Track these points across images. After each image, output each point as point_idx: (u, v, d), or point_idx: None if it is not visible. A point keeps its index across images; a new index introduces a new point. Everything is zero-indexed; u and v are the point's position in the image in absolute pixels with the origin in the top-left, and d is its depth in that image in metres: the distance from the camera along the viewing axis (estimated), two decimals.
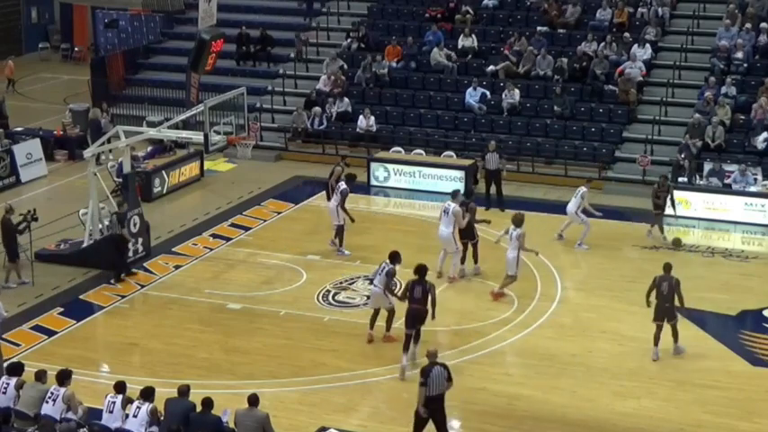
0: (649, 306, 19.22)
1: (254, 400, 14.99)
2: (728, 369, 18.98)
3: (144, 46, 38.63)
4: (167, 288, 22.44)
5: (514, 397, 17.96)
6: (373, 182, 29.12)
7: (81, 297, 21.99)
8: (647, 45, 31.56)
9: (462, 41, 33.14)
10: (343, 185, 23.87)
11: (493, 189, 26.87)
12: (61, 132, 31.73)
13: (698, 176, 27.11)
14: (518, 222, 21.36)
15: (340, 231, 23.85)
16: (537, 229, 23.92)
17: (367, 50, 33.92)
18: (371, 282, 20.27)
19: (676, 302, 18.99)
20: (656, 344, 19.12)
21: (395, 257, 19.66)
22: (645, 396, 18.02)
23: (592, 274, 22.75)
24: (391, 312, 19.65)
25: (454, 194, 22.78)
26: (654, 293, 19.14)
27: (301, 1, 37.70)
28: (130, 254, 23.33)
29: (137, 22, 40.59)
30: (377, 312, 19.88)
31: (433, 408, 15.84)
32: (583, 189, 24.32)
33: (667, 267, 19.22)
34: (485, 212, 25.35)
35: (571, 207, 24.33)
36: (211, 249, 24.57)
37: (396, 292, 19.74)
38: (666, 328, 19.03)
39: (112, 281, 22.51)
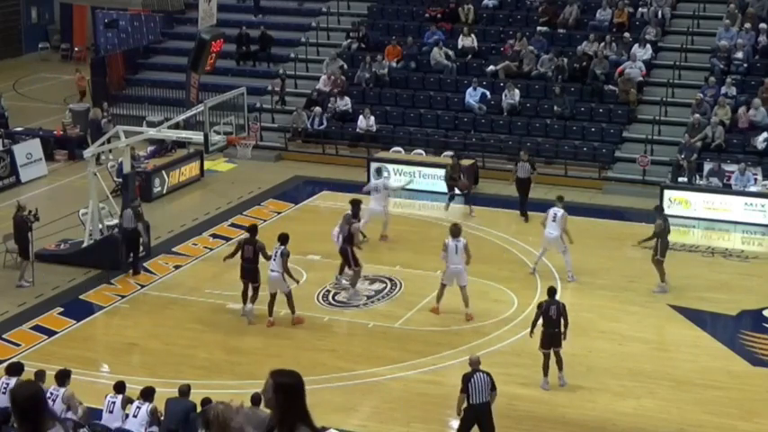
0: (532, 336, 18.32)
1: (257, 400, 14.98)
2: (728, 369, 18.98)
3: (144, 46, 38.58)
4: (167, 288, 22.43)
5: (514, 397, 17.94)
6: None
7: (81, 297, 22.00)
8: (647, 45, 31.53)
9: (462, 41, 33.11)
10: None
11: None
12: (61, 132, 31.72)
13: (698, 176, 27.11)
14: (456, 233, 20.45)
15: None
16: (537, 230, 23.88)
17: (367, 50, 33.91)
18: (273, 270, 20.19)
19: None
20: (545, 374, 18.15)
21: (285, 239, 20.24)
22: (645, 396, 18.02)
23: (591, 274, 22.74)
24: (289, 295, 20.15)
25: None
26: (541, 320, 18.16)
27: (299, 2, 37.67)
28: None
29: (137, 22, 40.52)
30: (274, 297, 20.26)
31: (478, 416, 15.80)
32: (560, 210, 22.49)
33: (552, 291, 18.47)
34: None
35: (553, 231, 22.36)
36: (211, 249, 24.55)
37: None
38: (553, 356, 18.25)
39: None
